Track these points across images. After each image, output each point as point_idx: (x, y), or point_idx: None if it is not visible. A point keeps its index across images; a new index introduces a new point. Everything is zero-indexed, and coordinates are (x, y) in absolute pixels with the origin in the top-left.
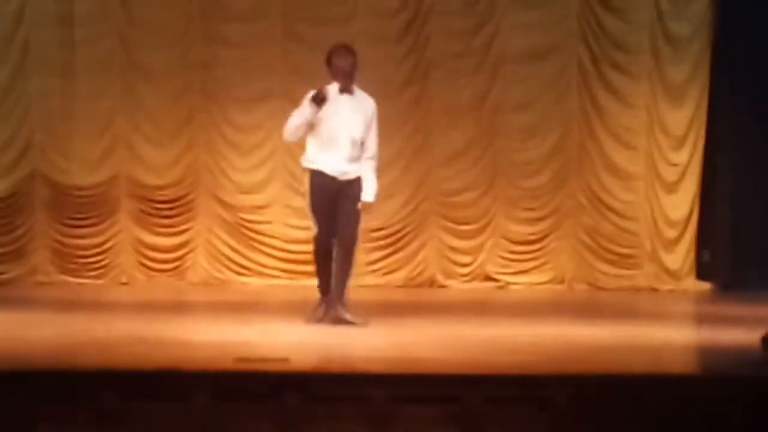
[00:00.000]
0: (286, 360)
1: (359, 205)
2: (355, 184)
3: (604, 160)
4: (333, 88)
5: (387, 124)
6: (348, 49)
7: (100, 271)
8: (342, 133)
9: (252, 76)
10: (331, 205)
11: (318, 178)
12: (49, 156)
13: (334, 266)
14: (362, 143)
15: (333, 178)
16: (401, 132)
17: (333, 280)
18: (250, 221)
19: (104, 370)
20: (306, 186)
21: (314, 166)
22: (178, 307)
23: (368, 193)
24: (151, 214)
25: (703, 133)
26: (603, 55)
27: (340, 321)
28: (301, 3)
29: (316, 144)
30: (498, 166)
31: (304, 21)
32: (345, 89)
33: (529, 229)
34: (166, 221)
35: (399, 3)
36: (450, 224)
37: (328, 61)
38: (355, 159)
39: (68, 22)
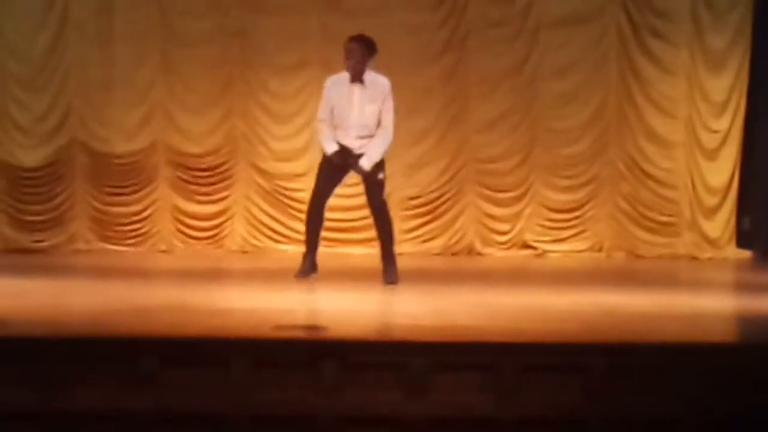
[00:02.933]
0: (323, 328)
1: (380, 175)
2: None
3: (644, 127)
4: (344, 77)
5: (424, 91)
6: (356, 40)
7: (139, 238)
8: (354, 123)
9: (289, 44)
10: (338, 173)
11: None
12: (88, 124)
13: (378, 236)
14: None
15: (348, 150)
16: (438, 99)
17: (380, 249)
18: (287, 189)
19: (142, 337)
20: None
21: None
22: (217, 275)
23: (365, 160)
24: (189, 182)
25: (743, 100)
26: (643, 21)
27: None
28: None
29: (331, 124)
30: (536, 133)
31: None
32: (355, 79)
33: (568, 196)
34: (204, 189)
35: None
36: (488, 192)
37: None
38: (369, 136)
39: None
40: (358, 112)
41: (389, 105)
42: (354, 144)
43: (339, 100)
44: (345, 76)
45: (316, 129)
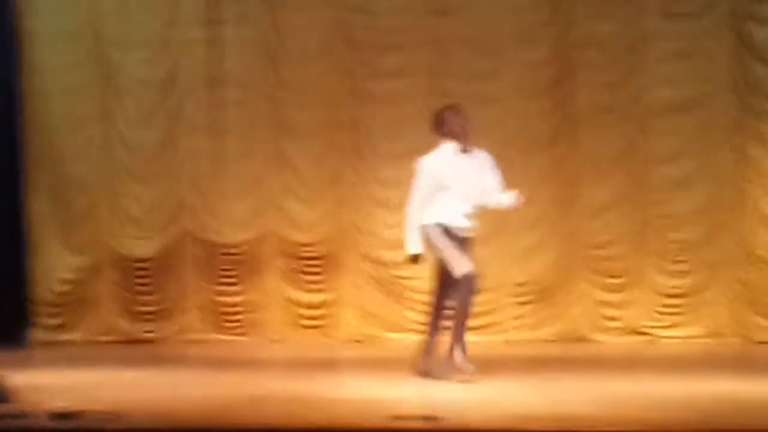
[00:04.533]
0: (438, 418)
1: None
2: (472, 242)
3: (757, 211)
4: (450, 148)
5: (536, 177)
6: (460, 108)
7: (249, 328)
8: (465, 193)
9: (398, 133)
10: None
11: (441, 229)
12: (200, 215)
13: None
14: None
15: (456, 233)
16: (550, 186)
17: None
18: (397, 277)
19: (255, 429)
20: (432, 237)
21: (439, 220)
22: (329, 365)
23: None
24: (299, 271)
25: None
26: (754, 105)
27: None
28: (447, 58)
29: (444, 201)
30: (647, 218)
31: (450, 76)
32: (465, 149)
33: (681, 282)
34: (314, 278)
35: (545, 57)
36: (600, 278)
37: (443, 121)
38: (473, 216)
39: (219, 83)
40: (470, 182)
41: (497, 170)
42: (465, 224)
43: (449, 174)
44: (448, 147)
45: None
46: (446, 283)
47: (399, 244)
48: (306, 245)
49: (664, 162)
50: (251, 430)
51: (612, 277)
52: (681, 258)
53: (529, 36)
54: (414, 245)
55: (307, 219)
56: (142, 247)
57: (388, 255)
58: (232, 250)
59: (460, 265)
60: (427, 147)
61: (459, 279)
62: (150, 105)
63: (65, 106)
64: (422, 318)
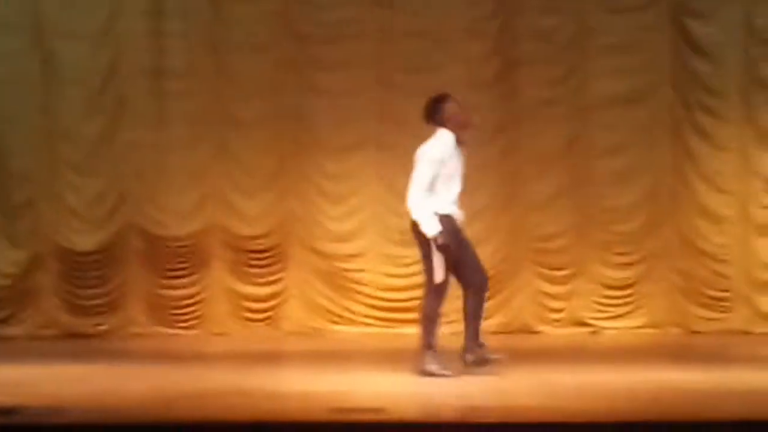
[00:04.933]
0: (381, 410)
1: None
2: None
3: (697, 203)
4: (451, 139)
5: (479, 171)
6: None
7: (195, 321)
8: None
9: (345, 125)
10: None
11: (451, 222)
12: (143, 208)
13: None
14: None
15: (456, 223)
16: (493, 178)
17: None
18: (344, 270)
19: (197, 422)
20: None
21: (446, 212)
22: (273, 357)
23: None
24: (244, 264)
25: None
26: (693, 99)
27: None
28: (392, 51)
29: (446, 191)
30: (590, 211)
31: (395, 69)
32: (461, 140)
33: (623, 273)
34: (259, 271)
35: (489, 50)
36: (543, 270)
37: (443, 111)
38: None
39: (162, 75)
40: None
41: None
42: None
43: (455, 164)
44: (450, 138)
45: None
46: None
47: (343, 237)
48: (251, 238)
49: (607, 155)
50: (196, 423)
51: (556, 269)
52: (623, 250)
53: (473, 29)
54: (436, 225)
55: (252, 211)
56: (85, 239)
57: (332, 247)
58: (177, 243)
59: (442, 272)
60: (373, 138)
61: (437, 284)
62: (92, 96)
63: (5, 97)
64: (367, 311)
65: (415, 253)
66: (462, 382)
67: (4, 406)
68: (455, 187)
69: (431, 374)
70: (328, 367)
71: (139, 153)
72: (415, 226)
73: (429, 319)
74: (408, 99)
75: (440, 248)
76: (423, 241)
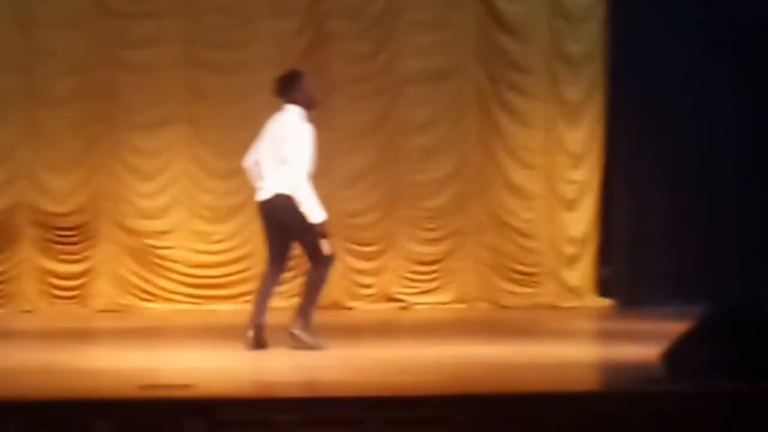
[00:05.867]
0: (190, 386)
1: None
2: None
3: (504, 179)
4: (301, 115)
5: None
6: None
7: (3, 299)
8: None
9: (153, 102)
10: None
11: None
12: None
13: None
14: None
15: None
16: None
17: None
18: (153, 246)
19: (5, 401)
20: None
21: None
22: (82, 335)
23: None
24: (53, 242)
25: (600, 151)
26: (500, 75)
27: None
28: (201, 28)
29: (305, 171)
30: (398, 187)
31: (205, 45)
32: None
33: (431, 249)
34: (68, 248)
35: (298, 27)
36: (353, 246)
37: (300, 87)
38: None
39: None
40: None
41: None
42: None
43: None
44: (300, 113)
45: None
46: (287, 256)
47: (152, 213)
48: (60, 215)
49: (415, 131)
50: (4, 402)
51: (365, 244)
52: (431, 225)
53: (281, 6)
54: (322, 212)
55: (60, 188)
56: None
57: (142, 224)
58: None
59: (326, 245)
60: (182, 115)
61: (326, 256)
62: None
63: None
64: (177, 287)
65: (223, 230)
66: (270, 357)
67: None
68: (309, 165)
69: (300, 341)
70: (138, 344)
71: None
72: (281, 208)
73: (318, 288)
74: (216, 75)
75: (320, 234)
76: (296, 220)
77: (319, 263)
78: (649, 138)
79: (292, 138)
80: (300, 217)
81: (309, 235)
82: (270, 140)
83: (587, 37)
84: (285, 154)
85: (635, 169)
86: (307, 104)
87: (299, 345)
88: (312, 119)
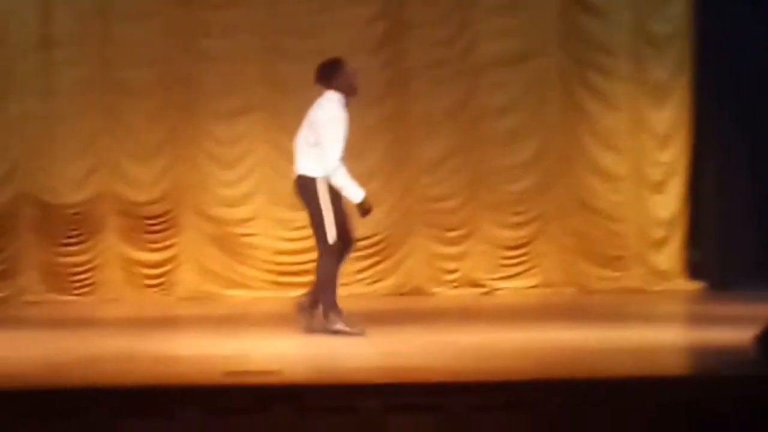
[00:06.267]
0: (275, 372)
1: None
2: None
3: (589, 162)
4: (340, 101)
5: (367, 134)
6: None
7: (89, 288)
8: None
9: (232, 90)
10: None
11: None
12: (34, 176)
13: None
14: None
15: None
16: (383, 141)
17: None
18: (235, 234)
19: (92, 388)
20: (321, 193)
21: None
22: (167, 322)
23: None
24: (137, 230)
25: (687, 132)
26: (583, 57)
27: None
28: (278, 16)
29: (339, 155)
30: (481, 171)
31: (282, 33)
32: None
33: (516, 233)
34: (152, 237)
35: (375, 13)
36: (435, 231)
37: (342, 74)
38: None
39: (49, 44)
40: None
41: None
42: None
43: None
44: (340, 100)
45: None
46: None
47: (233, 201)
48: (143, 204)
49: (497, 115)
50: (91, 389)
51: (448, 230)
52: (515, 210)
53: None
54: (360, 190)
55: (143, 178)
56: None
57: (224, 212)
58: (70, 210)
59: (333, 232)
60: (261, 103)
61: (331, 245)
62: None
63: None
64: (259, 274)
65: (304, 216)
66: (355, 344)
67: None
68: (343, 151)
69: (340, 333)
70: (222, 331)
71: (29, 123)
72: (303, 188)
73: (328, 280)
74: (294, 63)
75: (366, 213)
76: (313, 203)
77: (324, 253)
78: (736, 118)
79: (328, 123)
80: (314, 202)
81: (319, 221)
82: (306, 124)
83: (673, 17)
84: (319, 138)
85: (723, 150)
86: (347, 91)
87: (344, 334)
88: (350, 106)
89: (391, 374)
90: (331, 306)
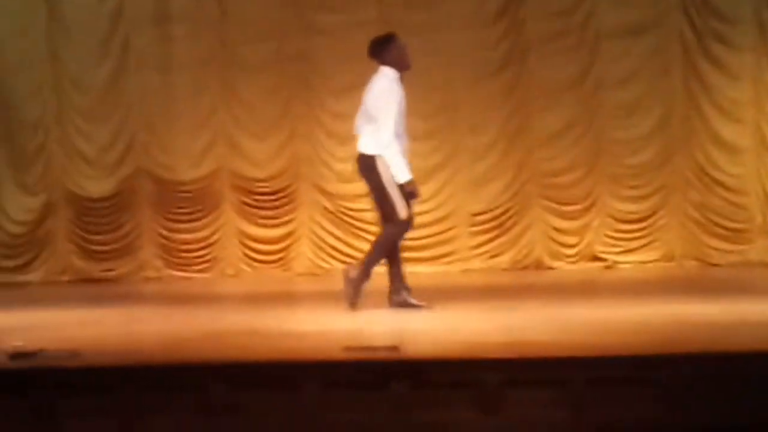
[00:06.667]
0: (394, 347)
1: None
2: None
3: (711, 133)
4: (394, 76)
5: (485, 107)
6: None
7: (207, 264)
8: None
9: (347, 64)
10: None
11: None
12: (152, 153)
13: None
14: None
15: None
16: (500, 114)
17: (401, 266)
18: (351, 209)
19: (212, 362)
20: (382, 171)
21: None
22: (285, 298)
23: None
24: (254, 206)
25: None
26: (705, 27)
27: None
28: None
29: (392, 130)
30: (600, 144)
31: (398, 6)
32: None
33: (636, 206)
34: (269, 213)
35: None
36: (554, 205)
37: (396, 49)
38: None
39: (165, 19)
40: None
41: None
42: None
43: (401, 102)
44: (395, 75)
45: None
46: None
47: (351, 177)
48: (259, 180)
49: (616, 86)
50: (210, 364)
51: (567, 204)
52: (635, 183)
53: None
54: (408, 172)
55: (259, 153)
56: (96, 185)
57: (340, 188)
58: (186, 187)
59: (402, 208)
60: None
61: (400, 220)
62: (97, 43)
63: (13, 48)
64: None
65: (421, 191)
66: (472, 318)
67: (23, 350)
68: (399, 125)
69: (408, 305)
70: (340, 306)
71: (146, 99)
72: (364, 167)
73: (379, 252)
74: (410, 35)
75: (409, 195)
76: (376, 181)
77: (390, 224)
78: None
79: (380, 97)
80: (377, 178)
81: (384, 197)
82: (364, 100)
83: None
84: (373, 113)
85: None
86: (400, 66)
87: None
88: (404, 81)
89: (512, 349)
90: (367, 276)
